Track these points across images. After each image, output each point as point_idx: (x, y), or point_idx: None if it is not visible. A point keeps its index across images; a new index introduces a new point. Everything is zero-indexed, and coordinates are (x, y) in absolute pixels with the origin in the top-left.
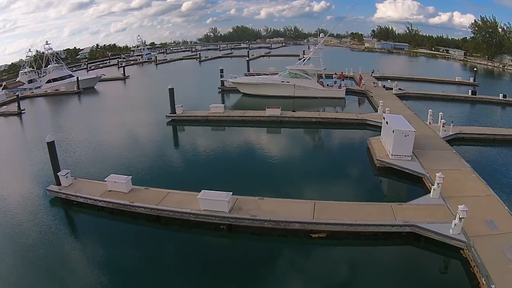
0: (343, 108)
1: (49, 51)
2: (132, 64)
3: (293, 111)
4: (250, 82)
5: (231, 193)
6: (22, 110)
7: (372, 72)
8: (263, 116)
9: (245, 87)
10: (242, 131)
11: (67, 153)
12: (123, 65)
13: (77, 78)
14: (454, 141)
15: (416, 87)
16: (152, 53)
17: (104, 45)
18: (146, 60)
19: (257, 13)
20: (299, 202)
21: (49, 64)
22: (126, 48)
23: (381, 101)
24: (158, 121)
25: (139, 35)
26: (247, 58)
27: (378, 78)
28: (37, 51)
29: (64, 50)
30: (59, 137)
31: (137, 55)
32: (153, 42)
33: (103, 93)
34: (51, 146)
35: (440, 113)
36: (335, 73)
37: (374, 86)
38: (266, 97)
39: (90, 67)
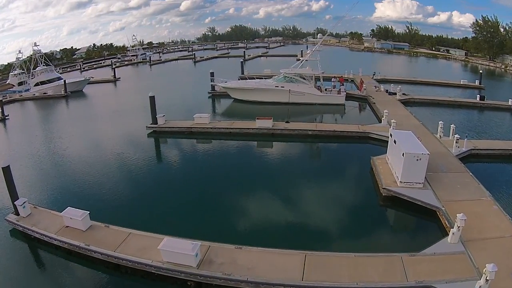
0: (343, 116)
1: (38, 53)
2: (126, 65)
3: (287, 121)
4: (241, 87)
5: (200, 243)
6: (6, 116)
7: (374, 75)
8: (252, 128)
9: (236, 92)
10: (228, 147)
11: (32, 174)
12: (117, 65)
13: (64, 81)
14: (468, 158)
15: (419, 91)
16: (148, 53)
17: (101, 44)
18: (141, 60)
19: (256, 12)
20: (286, 253)
21: (38, 66)
22: (123, 48)
23: (385, 111)
24: (138, 133)
25: (134, 35)
26: (242, 60)
27: (380, 81)
28: (34, 50)
29: (61, 49)
30: (25, 154)
31: (132, 55)
32: (151, 42)
33: (90, 97)
34: (6, 171)
35: (452, 125)
36: (334, 77)
37: (376, 91)
38: (259, 103)
39: (84, 68)
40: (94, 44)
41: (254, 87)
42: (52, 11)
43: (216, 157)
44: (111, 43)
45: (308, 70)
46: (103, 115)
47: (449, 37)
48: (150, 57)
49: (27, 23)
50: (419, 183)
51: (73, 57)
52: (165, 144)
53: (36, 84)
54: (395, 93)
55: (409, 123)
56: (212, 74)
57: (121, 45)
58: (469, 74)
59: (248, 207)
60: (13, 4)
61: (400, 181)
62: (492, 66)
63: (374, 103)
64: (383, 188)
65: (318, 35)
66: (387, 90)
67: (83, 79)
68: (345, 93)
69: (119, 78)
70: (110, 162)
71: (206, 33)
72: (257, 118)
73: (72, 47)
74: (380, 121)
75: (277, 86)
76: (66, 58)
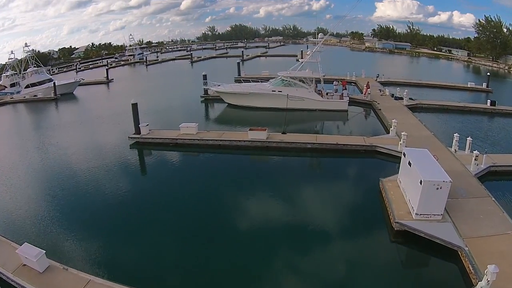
0: (346, 123)
1: (29, 53)
2: (123, 65)
3: (283, 133)
4: (235, 91)
5: None
6: None
7: (377, 77)
8: (244, 141)
9: (230, 97)
10: (217, 162)
11: None
12: (113, 65)
13: (54, 83)
14: (486, 176)
15: (426, 94)
16: (145, 53)
17: (99, 44)
18: (138, 60)
19: (256, 11)
20: None
21: (29, 67)
22: (121, 48)
23: (394, 120)
24: (120, 144)
25: (131, 34)
26: (238, 61)
27: (384, 84)
28: (33, 49)
29: (59, 49)
30: None
31: (129, 55)
32: (150, 41)
33: (80, 99)
34: None
35: (469, 138)
36: (336, 81)
37: (381, 95)
38: (254, 108)
39: (79, 68)
40: (92, 43)
41: (248, 92)
42: (52, 10)
43: (203, 175)
44: (110, 43)
45: (308, 73)
46: (86, 121)
47: (450, 37)
48: (146, 57)
49: (27, 22)
50: (438, 214)
51: (71, 56)
52: (147, 158)
53: (27, 86)
54: (401, 98)
55: (420, 134)
56: (205, 77)
57: (120, 44)
58: (474, 75)
59: (233, 252)
60: (13, 3)
61: (415, 213)
62: (495, 67)
63: (380, 109)
64: (395, 222)
65: (319, 35)
66: (392, 95)
67: (73, 81)
68: (348, 98)
69: (112, 79)
70: (81, 183)
71: (206, 33)
72: (250, 129)
73: (71, 46)
74: (387, 132)
75: (274, 91)
76: (63, 58)
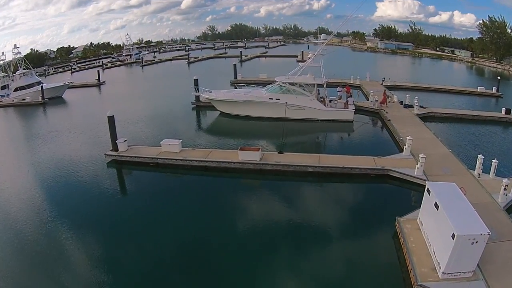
0: (351, 135)
1: (18, 55)
2: (119, 66)
3: (280, 152)
4: (228, 99)
5: None
6: None
7: (383, 81)
8: (234, 162)
9: (223, 105)
10: (202, 186)
11: None
12: (108, 66)
13: (42, 87)
14: None
15: (435, 100)
16: (142, 53)
17: (98, 43)
18: (135, 60)
19: (257, 11)
20: None
21: (18, 69)
22: (120, 47)
23: (408, 137)
24: (97, 161)
25: (127, 34)
26: (235, 62)
27: (390, 88)
28: (31, 49)
29: (58, 48)
30: None
31: (126, 55)
32: (148, 40)
33: (68, 104)
34: None
35: (495, 161)
36: (340, 86)
37: (389, 102)
38: (249, 118)
39: (75, 69)
40: (91, 42)
41: (242, 100)
42: (53, 9)
43: (186, 202)
44: (108, 42)
45: (309, 78)
46: (65, 131)
47: (452, 37)
48: (142, 57)
49: (28, 21)
50: (469, 271)
51: (70, 56)
52: (125, 180)
53: (16, 89)
54: (411, 106)
55: (437, 152)
56: (196, 81)
57: (119, 43)
58: (483, 79)
59: None
60: (14, 2)
61: (442, 272)
62: (499, 68)
63: (389, 120)
64: (418, 285)
65: (322, 36)
66: (401, 102)
67: (62, 84)
68: (353, 107)
69: (104, 81)
70: (50, 205)
71: (206, 32)
72: (241, 149)
73: (69, 45)
74: (400, 149)
75: (271, 98)
76: (60, 58)
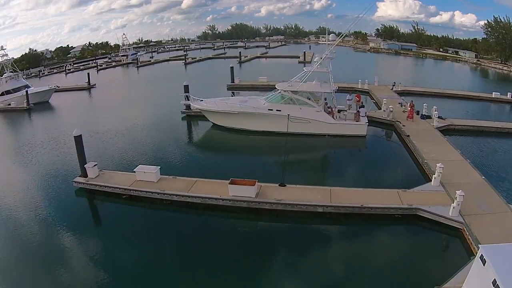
0: (364, 154)
1: (4, 57)
2: (114, 66)
3: (281, 184)
4: (221, 110)
5: None
6: None
7: (393, 85)
8: (223, 199)
9: (215, 116)
10: (183, 226)
11: None
12: (103, 66)
13: (27, 92)
14: None
15: (449, 107)
16: (139, 53)
17: (96, 43)
18: (131, 61)
19: (258, 10)
20: None
21: (5, 72)
22: (118, 47)
23: (439, 165)
24: (64, 189)
25: (124, 34)
26: (232, 65)
27: (400, 94)
28: (30, 48)
29: (56, 48)
30: None
31: (122, 56)
32: (147, 40)
33: (54, 111)
34: None
35: None
36: (349, 94)
37: (404, 111)
38: (246, 131)
39: (69, 69)
40: (89, 42)
41: (238, 111)
42: (53, 8)
43: (164, 246)
44: (107, 42)
45: (316, 86)
46: (40, 145)
47: (454, 37)
48: (138, 58)
49: (28, 20)
50: None
51: (68, 56)
52: (91, 215)
53: (2, 94)
54: (429, 116)
55: (469, 179)
56: (186, 88)
57: (118, 43)
58: (489, 81)
59: None
60: (14, 1)
61: None
62: (505, 70)
63: (408, 135)
64: None
65: (330, 36)
66: (418, 112)
67: (48, 88)
68: (366, 119)
69: (95, 85)
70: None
71: (206, 31)
72: (232, 182)
73: (68, 45)
74: (425, 175)
75: (271, 109)
76: (57, 58)
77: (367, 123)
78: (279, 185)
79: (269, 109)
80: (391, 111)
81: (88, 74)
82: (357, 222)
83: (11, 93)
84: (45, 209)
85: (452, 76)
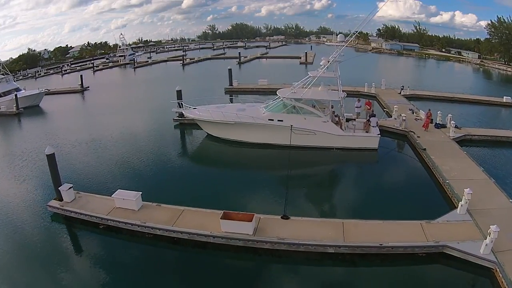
0: (377, 170)
1: None
2: (111, 67)
3: (284, 217)
4: (215, 121)
5: None
6: None
7: (402, 89)
8: (215, 236)
9: (210, 126)
10: (168, 262)
11: None
12: (99, 67)
13: (16, 95)
14: None
15: (460, 112)
16: (137, 53)
17: (95, 43)
18: (128, 62)
19: (258, 10)
20: None
21: None
22: (117, 47)
23: (467, 190)
24: (38, 214)
25: (121, 34)
26: (230, 67)
27: (409, 98)
28: (29, 48)
29: (55, 48)
30: None
31: (119, 56)
32: (147, 40)
33: (44, 116)
34: None
35: None
36: (357, 100)
37: (416, 119)
38: (244, 144)
39: (66, 70)
40: (88, 42)
41: (234, 121)
42: (54, 8)
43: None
44: (106, 42)
45: (322, 93)
46: (20, 157)
47: (455, 37)
48: (135, 58)
49: (28, 20)
50: None
51: (66, 56)
52: (65, 247)
53: None
54: (444, 125)
55: (494, 203)
56: (179, 93)
57: (118, 43)
58: (496, 83)
59: None
60: (15, 1)
61: None
62: (510, 71)
63: (425, 149)
64: None
65: (338, 36)
66: (431, 120)
67: (38, 92)
68: (378, 130)
69: (88, 87)
70: None
71: (206, 31)
72: (224, 215)
73: (67, 45)
74: (450, 201)
75: (272, 119)
76: (55, 58)
77: (379, 135)
78: (282, 217)
79: (269, 119)
80: (404, 119)
81: (81, 76)
82: (375, 263)
83: (1, 96)
84: (18, 237)
85: (457, 77)
